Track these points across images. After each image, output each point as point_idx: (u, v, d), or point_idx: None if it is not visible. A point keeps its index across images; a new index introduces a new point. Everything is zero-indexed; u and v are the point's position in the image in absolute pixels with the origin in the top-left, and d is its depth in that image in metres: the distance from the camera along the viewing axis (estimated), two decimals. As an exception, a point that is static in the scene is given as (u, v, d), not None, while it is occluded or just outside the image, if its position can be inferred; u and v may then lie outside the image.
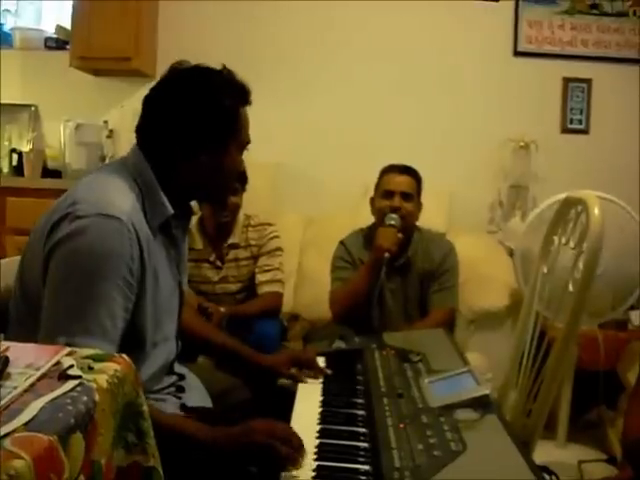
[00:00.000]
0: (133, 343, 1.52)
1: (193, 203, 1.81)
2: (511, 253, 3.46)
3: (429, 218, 3.41)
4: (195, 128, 1.61)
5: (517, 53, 4.23)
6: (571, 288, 1.55)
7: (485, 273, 3.46)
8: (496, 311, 3.25)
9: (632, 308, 3.92)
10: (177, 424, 1.52)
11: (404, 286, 3.09)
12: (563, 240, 1.68)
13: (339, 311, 3.05)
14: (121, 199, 1.53)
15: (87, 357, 1.09)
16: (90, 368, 1.05)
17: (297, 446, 1.40)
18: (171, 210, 1.63)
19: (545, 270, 1.75)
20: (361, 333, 2.40)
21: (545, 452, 3.05)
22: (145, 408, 1.12)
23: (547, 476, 1.96)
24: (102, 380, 1.02)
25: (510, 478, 1.24)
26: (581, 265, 1.47)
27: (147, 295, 1.55)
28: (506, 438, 1.39)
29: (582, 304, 1.47)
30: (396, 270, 3.05)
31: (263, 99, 3.91)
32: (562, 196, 1.77)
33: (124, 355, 1.12)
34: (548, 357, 1.78)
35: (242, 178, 3.07)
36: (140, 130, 1.68)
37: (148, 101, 1.67)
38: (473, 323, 3.32)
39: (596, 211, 1.48)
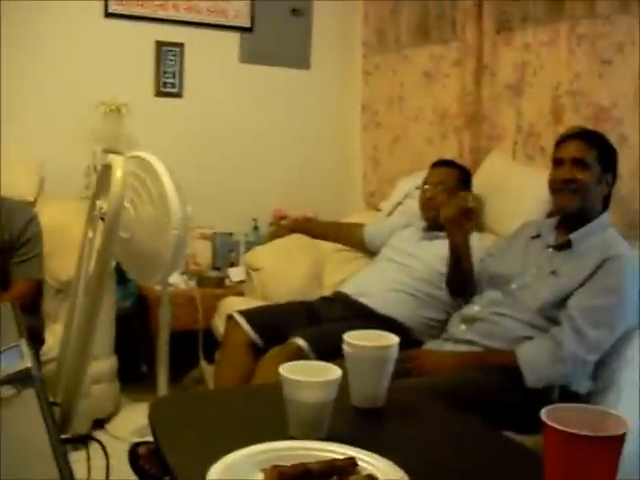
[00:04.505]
0: None
1: None
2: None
3: (19, 188, 3.32)
4: None
5: (108, 15, 4.15)
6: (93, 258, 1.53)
7: (75, 240, 3.38)
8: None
9: (232, 265, 4.15)
10: None
11: (-16, 260, 2.93)
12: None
13: None
14: None
15: None
16: None
17: None
18: None
19: (91, 235, 1.73)
20: None
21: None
22: None
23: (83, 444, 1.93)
24: None
25: (32, 451, 1.20)
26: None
27: None
28: (37, 412, 1.35)
29: (105, 266, 1.47)
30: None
31: None
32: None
33: None
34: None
35: None
36: None
37: None
38: (61, 293, 3.23)
39: (118, 173, 1.48)
